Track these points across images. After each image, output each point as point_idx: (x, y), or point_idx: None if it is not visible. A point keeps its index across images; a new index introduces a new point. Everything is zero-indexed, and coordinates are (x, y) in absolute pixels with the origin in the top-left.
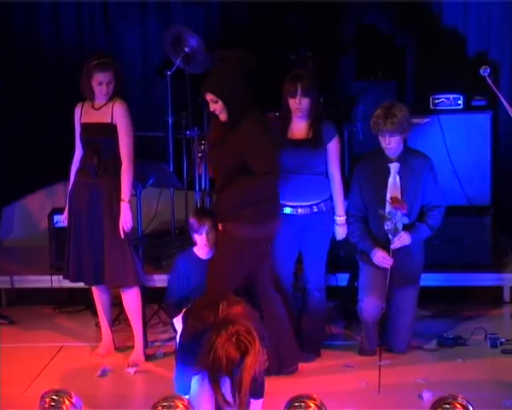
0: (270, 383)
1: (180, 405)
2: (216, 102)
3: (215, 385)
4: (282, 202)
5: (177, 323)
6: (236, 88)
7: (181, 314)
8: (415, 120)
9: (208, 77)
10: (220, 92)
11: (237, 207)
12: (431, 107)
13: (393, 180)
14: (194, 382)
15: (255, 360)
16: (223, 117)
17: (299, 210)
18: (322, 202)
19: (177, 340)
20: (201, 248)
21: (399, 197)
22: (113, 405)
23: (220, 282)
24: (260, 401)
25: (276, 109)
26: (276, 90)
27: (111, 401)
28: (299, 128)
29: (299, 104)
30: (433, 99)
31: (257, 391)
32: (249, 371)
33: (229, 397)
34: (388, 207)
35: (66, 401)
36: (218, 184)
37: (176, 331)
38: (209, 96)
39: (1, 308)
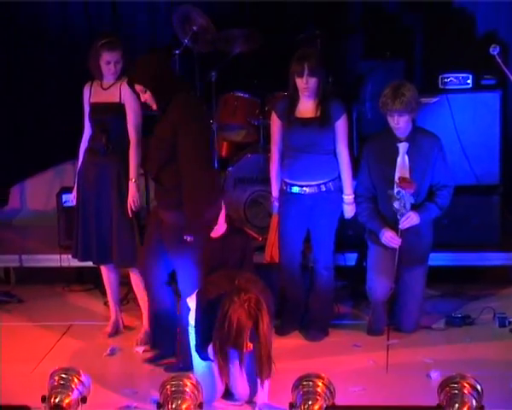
0: (277, 363)
1: (188, 383)
2: (145, 92)
3: (223, 360)
4: (289, 181)
5: (191, 301)
6: (162, 76)
7: (194, 293)
8: (423, 100)
9: (134, 67)
10: (147, 82)
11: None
12: (440, 86)
13: (402, 160)
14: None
15: (268, 328)
16: (154, 107)
17: (307, 189)
18: (331, 182)
19: (190, 318)
20: None
21: (408, 177)
22: (122, 383)
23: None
24: (268, 380)
25: (283, 89)
26: (284, 69)
27: (119, 380)
28: (306, 107)
29: (306, 84)
30: (442, 78)
31: (263, 370)
32: (265, 337)
33: (235, 375)
34: (397, 187)
35: (75, 380)
36: (157, 175)
37: (186, 310)
38: (138, 87)
39: (10, 287)
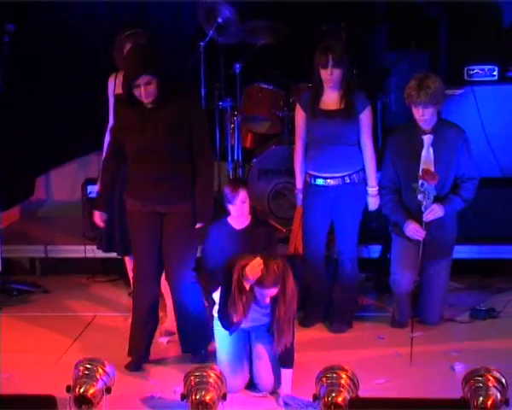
0: (301, 355)
1: (212, 374)
2: (150, 83)
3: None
4: (313, 172)
5: (217, 295)
6: (164, 62)
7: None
8: (448, 92)
9: (138, 59)
10: (157, 71)
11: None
12: (465, 78)
13: (427, 152)
14: (227, 349)
15: (293, 294)
16: (150, 99)
17: (331, 181)
18: (355, 173)
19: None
20: (235, 218)
21: (431, 169)
22: (146, 374)
23: None
24: (290, 371)
25: (308, 80)
26: (308, 60)
27: (143, 371)
28: (331, 99)
29: (330, 75)
30: (468, 70)
31: (286, 360)
32: (290, 301)
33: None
34: (420, 180)
35: (100, 370)
36: (162, 168)
37: (211, 303)
38: (144, 80)
39: (35, 278)
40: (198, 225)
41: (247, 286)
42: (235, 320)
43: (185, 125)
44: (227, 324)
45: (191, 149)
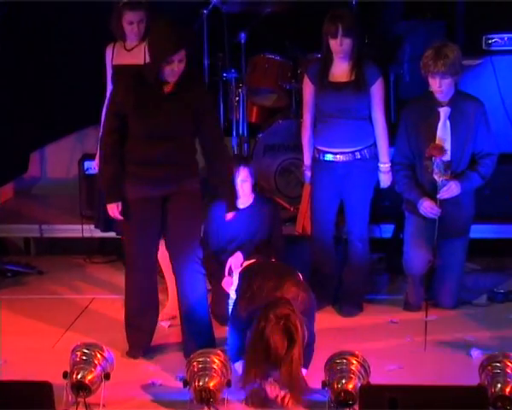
0: None
1: (216, 360)
2: (183, 60)
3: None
4: (322, 148)
5: (235, 275)
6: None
7: (233, 276)
8: (466, 62)
9: (176, 34)
10: (191, 49)
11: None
12: (483, 47)
13: (443, 126)
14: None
15: (299, 354)
16: (176, 77)
17: (341, 157)
18: (366, 149)
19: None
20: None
21: (439, 144)
22: (146, 360)
23: None
24: (304, 370)
25: (316, 51)
26: (317, 30)
27: (144, 356)
28: (340, 70)
29: (340, 45)
30: (486, 39)
31: (304, 361)
32: (297, 362)
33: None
34: (426, 155)
35: (98, 355)
36: (172, 150)
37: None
38: (180, 56)
39: (30, 258)
40: (229, 215)
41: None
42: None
43: (199, 109)
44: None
45: (197, 130)
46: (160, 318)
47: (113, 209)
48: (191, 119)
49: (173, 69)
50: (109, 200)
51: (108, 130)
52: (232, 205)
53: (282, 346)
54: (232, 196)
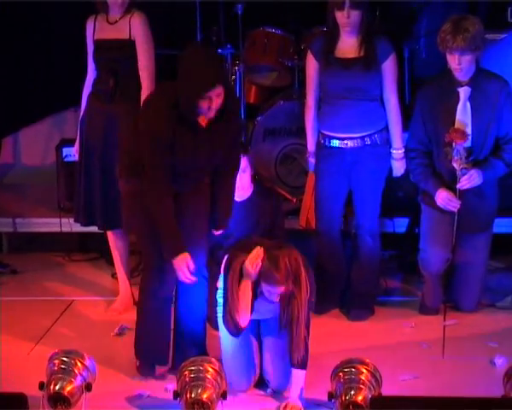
0: (314, 346)
1: (210, 369)
2: (220, 94)
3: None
4: (328, 133)
5: (219, 281)
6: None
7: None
8: (489, 37)
9: (211, 67)
10: (227, 81)
11: None
12: (508, 20)
13: (463, 108)
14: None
15: (310, 288)
16: (212, 114)
17: (349, 143)
18: (377, 133)
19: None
20: None
21: (460, 128)
22: (132, 368)
23: None
24: (303, 372)
25: (321, 24)
26: (322, 1)
27: (130, 364)
28: (348, 45)
29: (347, 18)
30: None
31: (298, 360)
32: (304, 302)
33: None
34: (447, 140)
35: (78, 364)
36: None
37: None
38: (217, 90)
39: (2, 256)
40: (218, 232)
41: (249, 283)
42: (240, 323)
43: (230, 143)
44: (233, 328)
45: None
46: (111, 309)
47: (188, 260)
48: (223, 153)
49: (210, 105)
50: (180, 250)
51: (163, 177)
52: (223, 223)
53: (287, 270)
54: (227, 216)
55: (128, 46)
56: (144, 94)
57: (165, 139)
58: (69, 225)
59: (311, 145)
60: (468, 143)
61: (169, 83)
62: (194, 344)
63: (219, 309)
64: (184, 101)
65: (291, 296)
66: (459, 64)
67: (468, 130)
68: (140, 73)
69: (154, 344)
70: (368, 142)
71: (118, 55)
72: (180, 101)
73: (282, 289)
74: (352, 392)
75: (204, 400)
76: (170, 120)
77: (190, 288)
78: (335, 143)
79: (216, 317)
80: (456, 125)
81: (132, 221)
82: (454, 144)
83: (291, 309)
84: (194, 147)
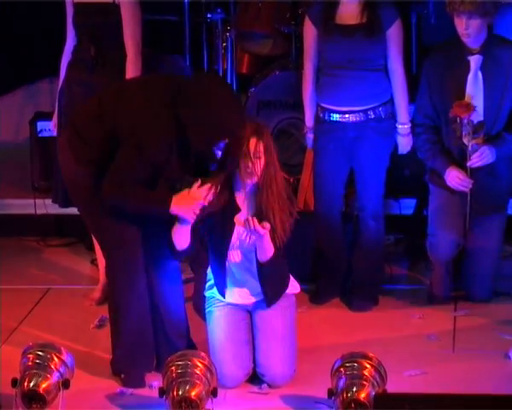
0: (313, 339)
1: (199, 364)
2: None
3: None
4: (327, 106)
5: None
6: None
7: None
8: (504, 1)
9: (238, 110)
10: (229, 133)
11: None
12: None
13: (474, 78)
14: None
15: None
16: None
17: (351, 117)
18: (381, 107)
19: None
20: None
21: (465, 101)
22: None
23: None
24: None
25: None
26: None
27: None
28: (349, 11)
29: None
30: None
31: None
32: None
33: None
34: (450, 114)
35: (55, 358)
36: None
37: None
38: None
39: None
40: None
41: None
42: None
43: None
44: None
45: None
46: (90, 299)
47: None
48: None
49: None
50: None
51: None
52: None
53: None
54: None
55: (112, 11)
56: (130, 62)
57: (158, 162)
58: (44, 206)
59: (309, 120)
60: (479, 117)
61: (162, 79)
62: (180, 335)
63: (207, 303)
64: (202, 142)
65: (266, 164)
66: (466, 29)
67: (479, 101)
68: (125, 39)
69: (141, 353)
70: (371, 116)
71: (100, 20)
72: (192, 138)
73: (252, 148)
74: (354, 389)
75: (192, 397)
76: (168, 140)
77: (163, 278)
78: (336, 117)
79: (204, 308)
80: (466, 98)
81: (85, 218)
82: (458, 119)
83: (267, 172)
84: (182, 169)
